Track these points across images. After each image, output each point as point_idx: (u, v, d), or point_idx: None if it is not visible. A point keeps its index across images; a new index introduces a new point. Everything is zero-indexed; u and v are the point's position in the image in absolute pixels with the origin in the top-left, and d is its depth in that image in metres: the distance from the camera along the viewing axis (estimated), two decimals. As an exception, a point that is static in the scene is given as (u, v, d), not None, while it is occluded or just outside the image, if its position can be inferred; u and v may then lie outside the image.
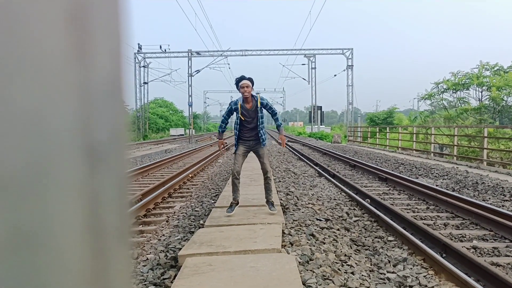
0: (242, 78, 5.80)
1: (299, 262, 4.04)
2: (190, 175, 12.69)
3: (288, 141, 35.59)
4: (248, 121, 5.84)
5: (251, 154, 6.21)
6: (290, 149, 25.11)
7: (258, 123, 5.85)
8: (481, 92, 24.90)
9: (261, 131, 5.88)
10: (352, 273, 4.13)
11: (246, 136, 5.90)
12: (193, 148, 25.03)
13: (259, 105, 5.79)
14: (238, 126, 5.89)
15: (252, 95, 5.85)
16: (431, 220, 7.16)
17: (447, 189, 9.58)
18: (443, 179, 11.31)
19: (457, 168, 12.90)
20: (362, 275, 4.16)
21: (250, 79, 5.82)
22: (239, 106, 5.82)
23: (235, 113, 5.96)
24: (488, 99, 24.09)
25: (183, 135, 57.36)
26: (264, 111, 5.98)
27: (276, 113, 6.18)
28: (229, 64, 48.94)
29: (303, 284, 3.47)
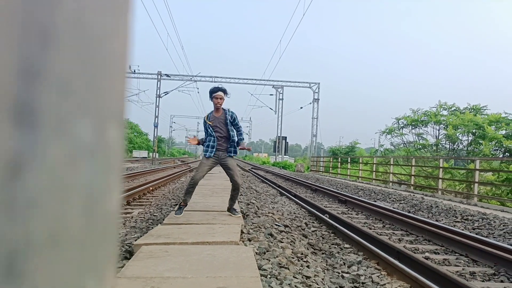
0: (217, 89, 5.86)
1: (256, 253, 4.05)
2: (151, 188, 12.49)
3: (252, 168, 35.69)
4: (216, 129, 5.88)
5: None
6: (254, 174, 25.19)
7: (230, 134, 5.86)
8: (438, 130, 26.03)
9: (232, 139, 5.87)
10: (308, 266, 4.17)
11: (218, 147, 5.85)
12: (156, 168, 24.67)
13: (228, 116, 5.88)
14: (207, 133, 5.95)
15: (223, 108, 5.93)
16: (387, 235, 7.33)
17: (403, 211, 9.86)
18: (400, 203, 11.63)
19: (414, 195, 13.31)
20: (317, 270, 4.20)
21: (224, 90, 5.92)
22: (206, 116, 5.94)
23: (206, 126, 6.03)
24: (444, 137, 25.16)
25: (146, 157, 56.49)
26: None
27: (241, 130, 6.19)
28: (198, 88, 49.12)
29: (259, 268, 3.48)
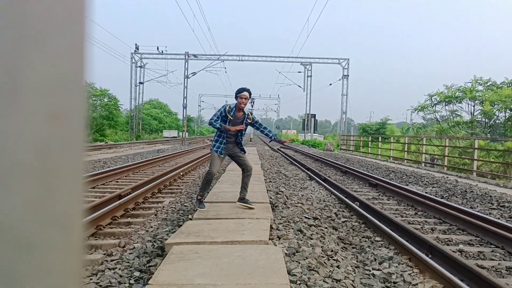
0: (243, 89, 6.00)
1: (286, 254, 4.05)
2: (181, 173, 12.67)
3: (280, 147, 35.68)
4: (233, 124, 5.99)
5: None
6: (283, 154, 25.16)
7: (239, 136, 6.07)
8: (473, 106, 25.16)
9: (240, 141, 6.11)
10: (338, 266, 4.15)
11: (229, 143, 6.02)
12: (186, 149, 24.98)
13: (250, 118, 6.06)
14: (216, 124, 6.00)
15: (243, 111, 6.09)
16: (419, 224, 7.20)
17: (436, 196, 9.65)
18: (433, 187, 11.38)
19: (447, 177, 12.99)
20: (347, 269, 4.18)
21: (250, 92, 6.04)
22: (229, 107, 5.99)
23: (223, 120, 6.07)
24: (480, 114, 24.33)
25: (176, 137, 57.22)
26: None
27: (267, 128, 6.29)
28: (225, 68, 49.06)
29: (288, 273, 3.48)
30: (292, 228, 5.16)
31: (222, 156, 6.03)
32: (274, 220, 5.58)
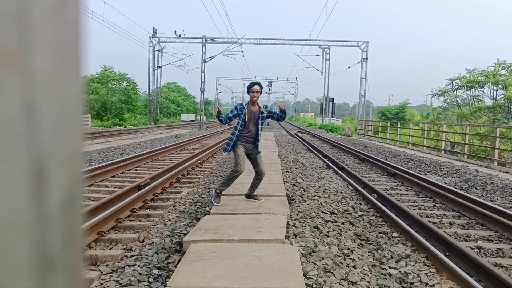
0: (253, 83, 6.08)
1: (302, 254, 4.08)
2: (199, 161, 12.77)
3: (298, 131, 35.56)
4: (251, 123, 6.04)
5: None
6: (300, 139, 25.10)
7: (258, 129, 6.06)
8: (496, 91, 24.56)
9: (258, 138, 6.09)
10: (354, 267, 4.16)
11: (245, 137, 6.03)
12: (204, 135, 25.13)
13: (264, 111, 6.06)
14: (240, 126, 6.01)
15: (258, 105, 6.15)
16: (437, 218, 7.15)
17: (455, 188, 9.54)
18: (452, 177, 11.24)
19: (467, 166, 12.80)
20: (364, 270, 4.19)
21: (261, 86, 6.11)
22: (244, 106, 6.04)
23: (237, 115, 6.12)
24: (503, 98, 23.74)
25: (194, 121, 57.53)
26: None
27: (276, 112, 6.33)
28: (243, 51, 48.87)
29: (304, 275, 3.51)
30: (309, 225, 5.18)
31: (241, 154, 6.02)
32: (290, 215, 5.61)
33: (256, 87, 5.99)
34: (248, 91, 6.06)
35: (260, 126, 6.11)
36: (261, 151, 6.28)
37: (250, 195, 6.29)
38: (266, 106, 6.26)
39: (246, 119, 5.98)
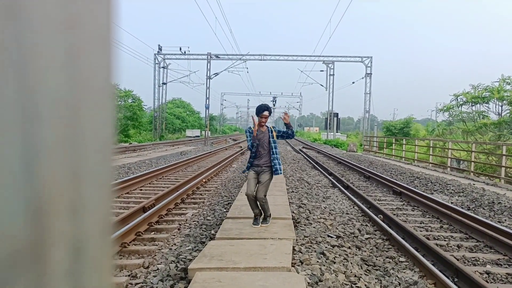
0: (265, 108, 6.07)
1: (308, 283, 4.03)
2: (204, 180, 12.76)
3: (303, 147, 35.55)
4: (260, 142, 6.01)
5: None
6: (305, 156, 25.06)
7: (272, 149, 6.02)
8: (501, 106, 24.48)
9: (275, 160, 6.01)
10: (361, 296, 4.11)
11: (259, 160, 6.01)
12: (209, 151, 25.15)
13: (272, 134, 6.05)
14: (255, 150, 6.04)
15: (267, 126, 6.12)
16: (444, 240, 7.07)
17: (462, 207, 9.45)
18: (459, 196, 11.15)
19: (474, 185, 12.70)
20: (371, 299, 4.13)
21: (270, 111, 6.12)
22: (253, 129, 6.02)
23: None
24: (508, 114, 23.65)
25: (199, 136, 57.66)
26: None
27: (285, 130, 6.24)
28: (247, 68, 49.11)
29: (311, 307, 3.47)
30: (315, 251, 5.13)
31: (250, 178, 5.99)
32: (296, 240, 5.57)
33: (266, 113, 6.01)
34: (258, 114, 6.06)
35: (272, 145, 6.05)
36: (275, 174, 6.09)
37: (264, 217, 6.18)
38: (274, 127, 6.22)
39: (254, 140, 6.00)
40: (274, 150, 6.05)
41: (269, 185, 6.06)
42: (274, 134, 6.08)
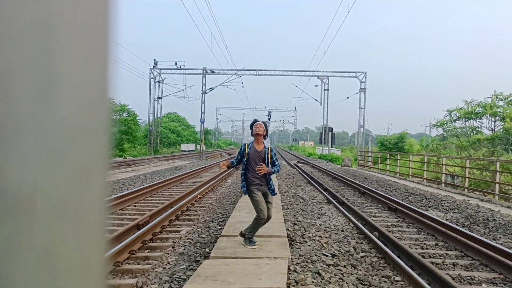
0: (256, 120, 6.12)
1: (303, 305, 3.99)
2: (199, 196, 12.70)
3: (297, 162, 35.55)
4: (252, 162, 5.93)
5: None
6: (300, 170, 25.05)
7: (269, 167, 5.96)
8: (494, 122, 24.70)
9: (270, 182, 6.02)
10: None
11: (255, 180, 5.91)
12: (203, 166, 25.08)
13: (268, 155, 5.98)
14: (245, 166, 5.96)
15: (265, 146, 6.06)
16: (440, 258, 7.05)
17: (457, 224, 9.45)
18: (454, 212, 11.16)
19: (468, 201, 12.72)
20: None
21: (265, 124, 6.07)
22: (246, 146, 5.98)
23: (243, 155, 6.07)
24: (501, 130, 23.85)
25: (193, 150, 57.55)
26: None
27: (276, 164, 6.16)
28: (242, 82, 49.30)
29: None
30: (310, 270, 5.10)
31: (259, 199, 5.86)
32: (291, 259, 5.53)
33: (259, 122, 5.99)
34: (252, 129, 6.03)
35: (269, 162, 5.97)
36: (277, 193, 6.12)
37: (243, 235, 6.05)
38: (272, 150, 6.15)
39: (248, 157, 5.94)
40: (269, 175, 6.01)
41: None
42: (270, 155, 6.00)
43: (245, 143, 6.15)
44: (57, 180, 0.47)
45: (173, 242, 7.49)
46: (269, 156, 5.97)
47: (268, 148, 6.04)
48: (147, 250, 7.05)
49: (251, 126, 6.05)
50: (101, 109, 0.53)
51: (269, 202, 5.96)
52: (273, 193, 6.02)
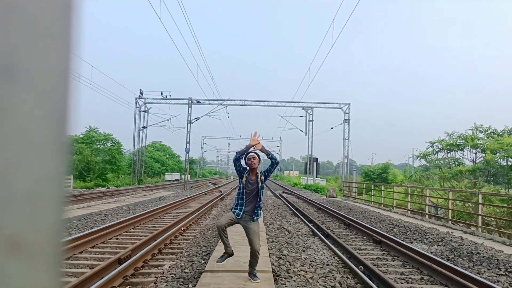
0: (249, 152, 6.06)
1: None
2: (182, 228, 12.51)
3: (283, 192, 35.51)
4: (249, 191, 5.95)
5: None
6: (285, 201, 24.97)
7: (258, 199, 5.96)
8: (475, 153, 25.17)
9: (258, 208, 5.98)
10: None
11: (244, 206, 5.92)
12: (188, 196, 24.84)
13: (260, 177, 5.97)
14: (240, 192, 5.98)
15: (257, 172, 6.07)
16: (426, 293, 7.01)
17: (442, 257, 9.46)
18: (438, 245, 11.18)
19: (452, 233, 12.78)
20: None
21: (257, 154, 6.08)
22: (244, 175, 5.96)
23: (241, 172, 6.06)
24: (482, 162, 24.28)
25: (178, 180, 57.11)
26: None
27: (269, 166, 6.16)
28: (228, 113, 49.64)
29: None
30: (295, 308, 5.01)
31: (227, 218, 5.92)
32: (276, 296, 5.44)
33: (252, 154, 5.97)
34: (245, 160, 6.01)
35: (260, 196, 5.97)
36: (257, 219, 6.01)
37: (249, 274, 6.07)
38: (260, 172, 6.14)
39: (244, 186, 5.94)
40: (261, 197, 6.00)
41: (258, 234, 6.02)
42: (261, 179, 5.98)
43: (246, 171, 6.08)
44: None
45: (155, 277, 7.31)
46: (261, 179, 5.96)
47: (258, 174, 6.03)
48: (128, 286, 6.86)
49: (245, 158, 6.01)
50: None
51: (251, 235, 5.89)
52: (257, 218, 5.96)
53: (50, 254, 0.50)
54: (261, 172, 6.15)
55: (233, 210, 6.03)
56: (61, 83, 0.48)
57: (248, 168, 6.02)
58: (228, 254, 6.06)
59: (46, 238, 0.50)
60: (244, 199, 5.95)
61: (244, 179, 5.97)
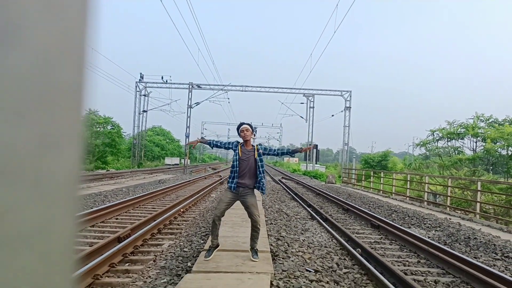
0: (242, 123, 6.03)
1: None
2: (182, 210, 12.57)
3: (282, 177, 35.59)
4: (243, 162, 5.90)
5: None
6: (284, 186, 25.05)
7: (258, 170, 5.89)
8: (476, 142, 25.16)
9: (262, 180, 5.92)
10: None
11: (241, 179, 5.89)
12: (187, 180, 24.91)
13: (258, 152, 5.94)
14: (235, 165, 5.95)
15: (252, 145, 6.04)
16: (422, 275, 7.06)
17: (439, 242, 9.52)
18: (436, 230, 11.24)
19: (450, 219, 12.85)
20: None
21: (250, 125, 6.00)
22: (239, 147, 5.94)
23: (231, 145, 6.08)
24: (482, 150, 24.28)
25: (178, 164, 57.18)
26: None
27: (275, 149, 6.24)
28: (228, 98, 49.47)
29: None
30: (293, 286, 5.06)
31: (229, 191, 5.92)
32: (274, 274, 5.49)
33: (245, 125, 5.96)
34: (239, 133, 6.01)
35: (260, 165, 5.93)
36: (262, 192, 5.98)
37: (251, 249, 6.08)
38: (260, 144, 6.17)
39: (239, 157, 5.91)
40: (261, 169, 5.94)
41: (257, 207, 6.02)
42: (256, 153, 5.94)
43: (238, 142, 6.10)
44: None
45: (155, 255, 7.37)
46: (260, 151, 5.94)
47: (255, 146, 6.01)
48: (127, 263, 6.92)
49: (238, 129, 6.03)
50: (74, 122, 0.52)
51: (249, 208, 5.89)
52: (262, 191, 5.94)
53: (64, 252, 0.50)
54: (260, 146, 6.13)
55: (229, 185, 6.01)
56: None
57: (242, 141, 6.04)
58: (215, 246, 6.07)
59: (59, 236, 0.50)
60: (238, 171, 5.91)
61: (239, 149, 5.94)
